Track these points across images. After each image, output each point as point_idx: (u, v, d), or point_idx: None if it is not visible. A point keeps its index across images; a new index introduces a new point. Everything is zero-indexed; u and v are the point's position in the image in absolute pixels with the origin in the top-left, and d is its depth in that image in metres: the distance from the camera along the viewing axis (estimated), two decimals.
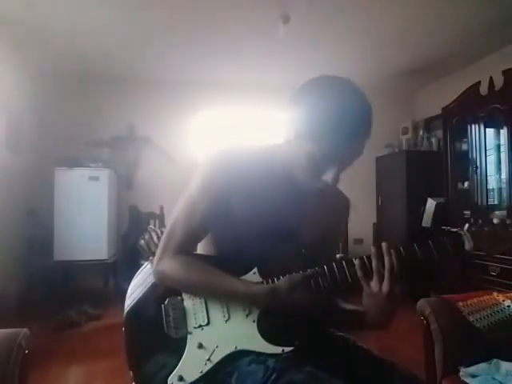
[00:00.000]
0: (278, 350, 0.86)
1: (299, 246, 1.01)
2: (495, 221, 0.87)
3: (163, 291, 0.95)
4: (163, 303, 0.94)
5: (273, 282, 0.89)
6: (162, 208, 3.92)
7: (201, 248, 1.03)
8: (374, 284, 0.84)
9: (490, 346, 1.37)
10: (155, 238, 3.08)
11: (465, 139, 3.64)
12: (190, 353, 0.90)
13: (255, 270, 0.91)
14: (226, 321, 0.91)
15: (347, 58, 3.87)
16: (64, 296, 3.55)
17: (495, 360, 1.33)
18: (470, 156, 3.56)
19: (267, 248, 0.93)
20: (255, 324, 0.89)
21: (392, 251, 0.84)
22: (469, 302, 1.49)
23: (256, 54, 3.79)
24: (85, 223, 3.82)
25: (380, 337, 2.12)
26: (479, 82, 3.40)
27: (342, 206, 1.09)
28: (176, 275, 0.92)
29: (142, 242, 3.11)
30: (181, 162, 4.29)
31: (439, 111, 3.96)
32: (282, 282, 0.87)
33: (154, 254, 0.96)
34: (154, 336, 0.93)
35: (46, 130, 4.15)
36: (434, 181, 3.96)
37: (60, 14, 3.00)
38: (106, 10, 2.95)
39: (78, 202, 3.83)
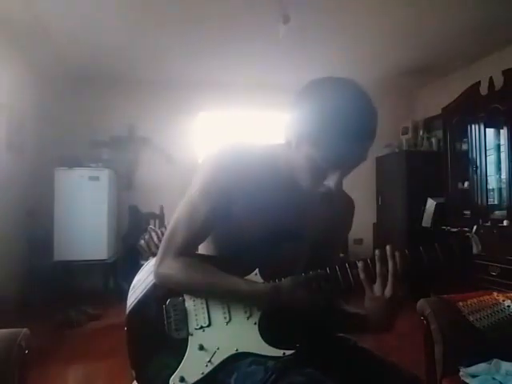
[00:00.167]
0: (279, 352, 0.86)
1: (302, 248, 1.00)
2: (505, 223, 0.86)
3: (164, 292, 0.95)
4: (164, 304, 0.94)
5: (274, 283, 0.88)
6: (162, 208, 3.92)
7: (202, 249, 1.03)
8: (377, 288, 0.83)
9: (490, 345, 1.37)
10: (155, 238, 3.09)
11: (465, 139, 3.64)
12: (191, 354, 0.90)
13: (257, 271, 0.91)
14: (227, 322, 0.91)
15: (347, 58, 3.87)
16: (64, 296, 3.55)
17: (495, 360, 1.32)
18: (469, 156, 3.56)
19: (269, 249, 0.92)
20: (256, 326, 0.89)
21: (397, 254, 0.81)
22: (469, 302, 1.49)
23: (256, 54, 3.79)
24: (85, 223, 3.83)
25: (380, 337, 2.12)
26: (479, 82, 3.40)
27: (345, 208, 1.07)
28: (178, 277, 0.91)
29: (142, 242, 3.11)
30: (181, 162, 4.29)
31: (439, 111, 3.96)
32: (285, 282, 0.86)
33: (154, 254, 0.96)
34: (156, 336, 0.93)
35: (47, 130, 4.15)
36: (434, 181, 3.96)
37: (60, 14, 3.00)
38: (106, 10, 2.95)
39: (77, 202, 3.83)
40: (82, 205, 3.84)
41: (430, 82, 4.67)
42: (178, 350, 0.91)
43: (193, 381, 0.88)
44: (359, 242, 4.56)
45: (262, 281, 0.90)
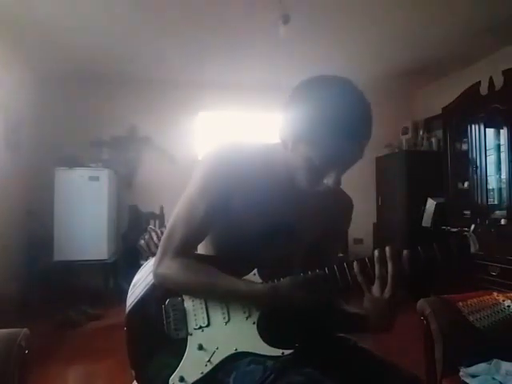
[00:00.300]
0: (277, 352, 0.86)
1: (300, 247, 1.00)
2: (503, 221, 0.86)
3: (163, 292, 0.95)
4: (164, 304, 0.94)
5: (273, 283, 0.88)
6: (162, 208, 3.92)
7: (200, 249, 1.03)
8: (375, 289, 0.83)
9: (490, 346, 1.37)
10: (155, 237, 3.09)
11: (465, 139, 3.64)
12: (191, 354, 0.90)
13: (255, 271, 0.91)
14: (226, 322, 0.91)
15: (347, 58, 3.87)
16: (64, 296, 3.55)
17: (495, 360, 1.32)
18: (469, 156, 3.56)
19: (268, 249, 0.92)
20: (255, 326, 0.89)
21: (396, 255, 0.81)
22: (469, 302, 1.49)
23: (256, 54, 3.79)
24: (85, 223, 3.83)
25: (380, 337, 2.12)
26: (479, 82, 3.39)
27: (344, 207, 1.07)
28: (177, 277, 0.91)
29: (142, 241, 3.11)
30: (181, 162, 4.29)
31: (439, 111, 3.96)
32: (283, 282, 0.86)
33: (153, 254, 0.95)
34: (155, 336, 0.93)
35: (46, 129, 4.15)
36: (434, 181, 3.96)
37: (60, 13, 3.00)
38: (106, 9, 2.95)
39: (77, 202, 3.83)
40: (82, 205, 3.84)
41: (430, 82, 4.67)
42: (178, 349, 0.91)
43: (192, 380, 0.88)
44: (359, 241, 4.56)
45: (260, 281, 0.89)
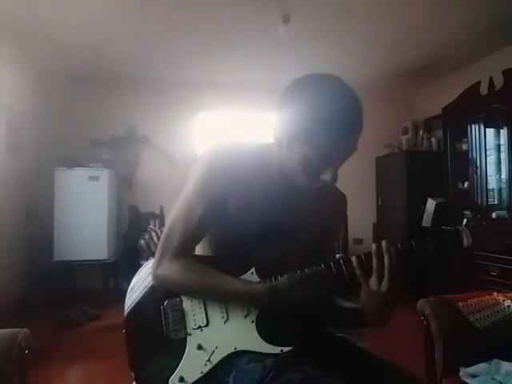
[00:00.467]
0: (276, 349, 0.86)
1: (297, 246, 1.00)
2: (494, 215, 0.87)
3: (162, 293, 0.95)
4: (162, 305, 0.94)
5: (271, 281, 0.89)
6: (162, 208, 3.92)
7: (198, 249, 1.03)
8: (372, 282, 0.84)
9: (490, 346, 1.37)
10: (155, 237, 3.09)
11: (465, 139, 3.64)
12: (190, 354, 0.90)
13: (253, 270, 0.91)
14: (225, 322, 0.91)
15: (347, 58, 3.87)
16: (64, 296, 3.55)
17: (495, 360, 1.32)
18: (470, 156, 3.56)
19: (265, 248, 0.93)
20: (254, 324, 0.89)
21: (391, 249, 0.83)
22: (469, 302, 1.49)
23: (256, 54, 3.79)
24: (85, 223, 3.83)
25: (380, 337, 2.12)
26: (479, 82, 3.39)
27: (338, 203, 1.08)
28: (176, 278, 0.91)
29: (142, 241, 3.11)
30: (181, 162, 4.29)
31: (439, 111, 3.96)
32: (281, 280, 0.87)
33: (153, 254, 0.96)
34: (154, 338, 0.93)
35: (46, 130, 4.15)
36: (434, 181, 3.96)
37: (60, 13, 3.00)
38: (106, 10, 2.95)
39: (77, 202, 3.83)
40: (82, 205, 3.84)
41: (430, 82, 4.67)
42: (177, 350, 0.91)
43: (192, 380, 0.88)
44: (359, 242, 4.55)
45: (258, 279, 0.90)
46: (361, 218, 4.43)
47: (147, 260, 1.05)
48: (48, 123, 4.16)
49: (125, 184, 4.44)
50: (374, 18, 3.10)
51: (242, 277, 0.91)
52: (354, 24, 3.22)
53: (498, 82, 3.23)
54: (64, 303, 3.37)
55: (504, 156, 3.27)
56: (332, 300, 0.99)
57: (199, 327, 0.92)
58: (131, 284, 1.02)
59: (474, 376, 1.29)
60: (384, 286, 0.83)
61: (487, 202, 3.45)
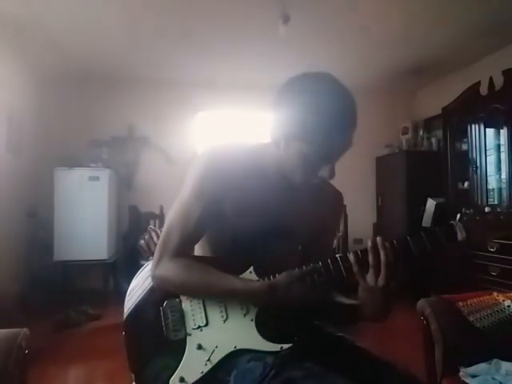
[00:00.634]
0: (276, 347, 0.87)
1: (295, 244, 1.01)
2: (487, 209, 0.88)
3: (161, 294, 0.95)
4: (161, 306, 0.94)
5: (269, 280, 0.89)
6: (161, 208, 3.91)
7: (197, 249, 1.03)
8: (369, 278, 0.84)
9: (490, 346, 1.37)
10: (155, 237, 3.09)
11: (465, 139, 3.64)
12: (190, 354, 0.90)
13: (251, 268, 0.92)
14: (225, 321, 0.91)
15: (347, 58, 3.87)
16: (64, 296, 3.56)
17: (495, 360, 1.32)
18: (470, 156, 3.56)
19: (263, 247, 0.93)
20: (253, 323, 0.89)
21: (387, 244, 0.84)
22: (469, 302, 1.49)
23: (256, 54, 3.79)
24: (85, 223, 3.83)
25: (380, 337, 2.12)
26: (479, 82, 3.40)
27: (335, 201, 1.09)
28: (175, 278, 0.91)
29: (142, 241, 3.11)
30: (180, 162, 4.28)
31: (439, 111, 3.96)
32: (280, 278, 0.87)
33: (153, 254, 0.96)
34: (154, 339, 0.94)
35: (46, 130, 4.15)
36: (434, 181, 3.96)
37: (60, 14, 3.00)
38: (105, 10, 2.95)
39: (77, 202, 3.83)
40: (82, 205, 3.84)
41: (429, 82, 4.66)
42: (177, 350, 0.91)
43: (193, 380, 0.88)
44: (359, 242, 4.55)
45: (256, 278, 0.91)
46: (361, 217, 4.43)
47: (147, 260, 1.05)
48: (48, 123, 4.16)
49: (125, 184, 4.44)
50: (373, 18, 3.10)
51: (240, 276, 0.91)
52: (354, 24, 3.21)
53: (498, 82, 3.23)
54: (64, 303, 3.37)
55: (504, 156, 3.27)
56: (330, 297, 1.00)
57: (199, 327, 0.92)
58: (130, 287, 1.02)
59: (474, 376, 1.29)
60: (380, 281, 0.83)
61: (487, 201, 3.45)
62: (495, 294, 1.55)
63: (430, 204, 3.92)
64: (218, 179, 0.92)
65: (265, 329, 0.89)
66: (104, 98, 4.36)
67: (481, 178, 3.47)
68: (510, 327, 1.41)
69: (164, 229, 0.96)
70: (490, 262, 3.04)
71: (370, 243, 0.85)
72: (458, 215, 0.87)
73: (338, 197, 1.09)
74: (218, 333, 0.91)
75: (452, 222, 0.86)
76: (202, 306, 0.93)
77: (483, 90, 3.37)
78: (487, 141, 3.45)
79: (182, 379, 0.88)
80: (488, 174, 3.47)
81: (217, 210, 0.93)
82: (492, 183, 3.51)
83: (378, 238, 0.85)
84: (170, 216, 0.95)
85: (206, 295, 0.93)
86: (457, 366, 1.34)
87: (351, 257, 0.85)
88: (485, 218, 0.86)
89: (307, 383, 0.78)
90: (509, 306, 1.46)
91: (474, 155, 3.51)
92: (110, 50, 3.71)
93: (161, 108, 4.48)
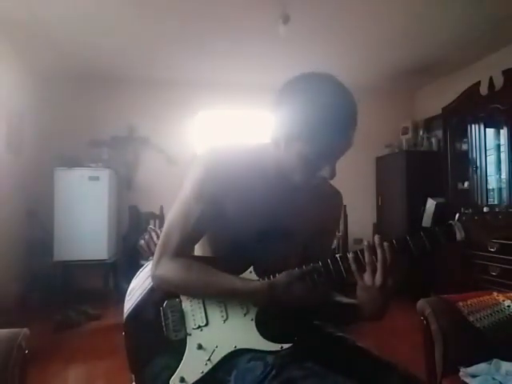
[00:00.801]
0: (276, 347, 0.87)
1: (295, 244, 1.01)
2: (485, 209, 0.88)
3: (161, 294, 0.95)
4: (161, 306, 0.94)
5: (269, 279, 0.89)
6: (161, 208, 3.91)
7: (197, 249, 1.03)
8: (367, 277, 0.85)
9: (490, 346, 1.37)
10: (155, 237, 3.09)
11: (465, 139, 3.65)
12: (190, 354, 0.90)
13: (251, 268, 0.92)
14: (225, 321, 0.91)
15: (347, 58, 3.87)
16: (64, 296, 3.56)
17: (495, 360, 1.32)
18: (470, 156, 3.56)
19: (263, 247, 0.94)
20: (253, 322, 0.89)
21: (385, 244, 0.84)
22: (469, 302, 1.48)
23: (256, 54, 3.79)
24: (85, 223, 3.82)
25: (380, 337, 2.12)
26: (479, 82, 3.40)
27: (334, 201, 1.09)
28: (175, 278, 0.92)
29: (142, 242, 3.11)
30: (180, 162, 4.29)
31: (439, 111, 3.96)
32: (279, 278, 0.87)
33: (153, 254, 0.96)
34: (154, 339, 0.94)
35: (46, 129, 4.15)
36: (434, 181, 3.96)
37: (60, 14, 3.00)
38: (105, 10, 2.95)
39: (78, 202, 3.83)
40: (82, 205, 3.84)
41: (429, 82, 4.67)
42: (177, 350, 0.91)
43: (193, 380, 0.88)
44: (359, 242, 4.55)
45: (256, 278, 0.91)
46: (361, 217, 4.43)
47: (147, 260, 1.05)
48: (48, 123, 4.16)
49: (125, 184, 4.44)
50: (373, 17, 3.10)
51: (240, 276, 0.91)
52: (354, 24, 3.21)
53: (498, 82, 3.23)
54: (64, 303, 3.37)
55: (504, 156, 3.27)
56: (330, 296, 1.00)
57: (199, 327, 0.92)
58: (130, 287, 1.02)
59: (474, 376, 1.29)
60: (377, 280, 0.83)
61: (487, 201, 3.45)
62: (495, 294, 1.55)
63: (430, 204, 3.92)
64: (217, 179, 0.92)
65: (265, 328, 0.89)
66: (104, 98, 4.36)
67: (481, 178, 3.47)
68: (510, 327, 1.41)
69: (164, 229, 0.96)
70: (489, 261, 3.04)
71: (366, 242, 0.85)
72: (457, 215, 0.87)
73: (337, 197, 1.09)
74: (218, 333, 0.91)
75: (451, 221, 0.86)
76: (202, 305, 0.93)
77: (483, 89, 3.37)
78: (487, 141, 3.46)
79: (182, 379, 0.88)
80: (488, 174, 3.47)
81: (217, 210, 0.93)
82: (492, 183, 3.51)
83: (376, 237, 0.85)
84: (170, 216, 0.95)
85: (206, 295, 0.93)
86: (457, 366, 1.34)
87: (350, 256, 0.86)
88: (483, 217, 0.86)
89: (307, 383, 0.78)
90: (509, 306, 1.46)
91: (474, 155, 3.51)
92: (110, 50, 3.71)
93: (161, 108, 4.48)
